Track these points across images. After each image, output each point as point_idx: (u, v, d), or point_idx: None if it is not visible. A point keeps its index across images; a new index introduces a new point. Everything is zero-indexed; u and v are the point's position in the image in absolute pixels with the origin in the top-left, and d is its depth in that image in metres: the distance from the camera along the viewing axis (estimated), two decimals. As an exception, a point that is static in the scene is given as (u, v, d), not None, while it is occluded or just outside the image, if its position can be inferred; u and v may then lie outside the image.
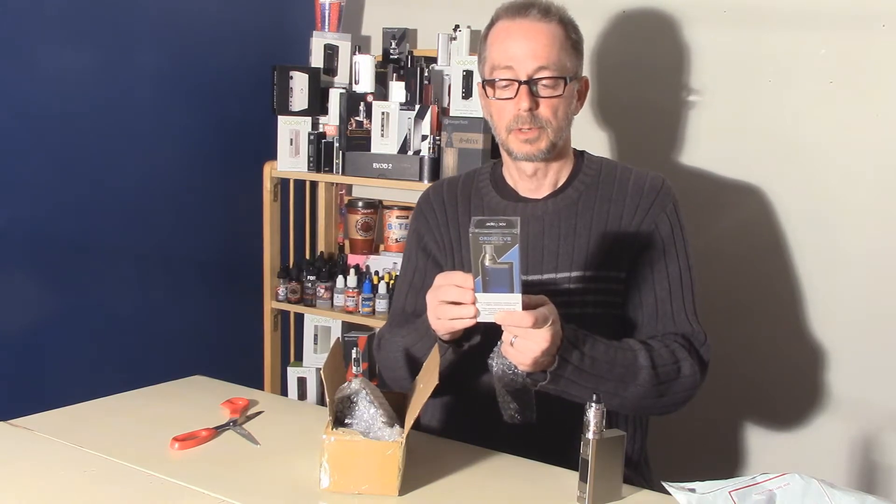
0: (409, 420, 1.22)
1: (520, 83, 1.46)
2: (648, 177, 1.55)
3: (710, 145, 2.18)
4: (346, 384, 1.29)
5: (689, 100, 2.20)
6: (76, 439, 1.35)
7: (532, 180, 1.56)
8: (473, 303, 1.25)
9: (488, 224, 1.19)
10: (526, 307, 1.24)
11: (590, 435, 1.18)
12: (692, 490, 1.15)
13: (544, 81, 1.46)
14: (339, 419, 1.24)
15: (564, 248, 1.52)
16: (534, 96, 1.47)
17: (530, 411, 1.47)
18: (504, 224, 1.19)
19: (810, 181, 2.06)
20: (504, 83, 1.48)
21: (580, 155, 1.61)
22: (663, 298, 1.51)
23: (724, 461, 2.20)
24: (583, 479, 1.19)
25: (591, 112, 2.29)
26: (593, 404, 1.18)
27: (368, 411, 1.23)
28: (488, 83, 1.51)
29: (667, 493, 1.18)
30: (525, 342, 1.27)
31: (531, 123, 1.47)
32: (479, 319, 1.27)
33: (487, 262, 1.20)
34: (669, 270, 1.51)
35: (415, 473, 1.25)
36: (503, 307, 1.24)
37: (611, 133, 2.30)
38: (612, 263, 1.51)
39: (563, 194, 1.55)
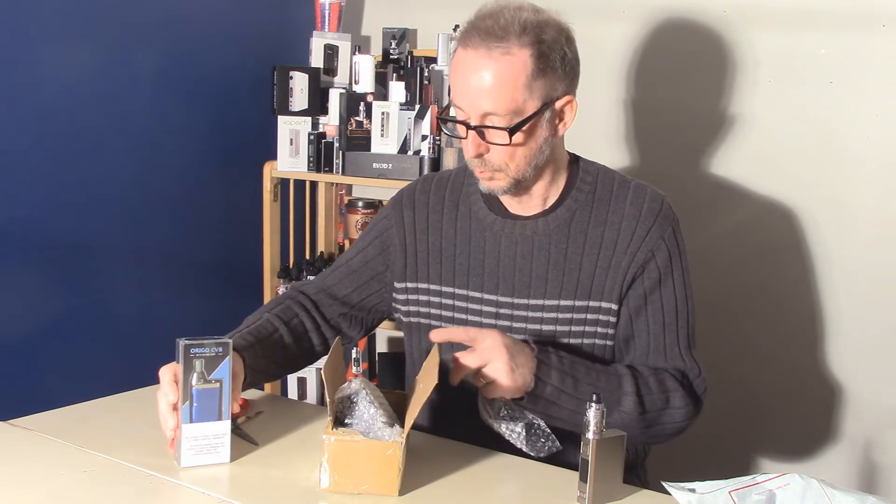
0: (409, 420, 1.22)
1: (468, 127, 1.36)
2: (647, 196, 1.46)
3: (707, 145, 2.18)
4: (346, 384, 1.29)
5: (688, 100, 2.20)
6: (76, 439, 1.35)
7: (517, 201, 1.48)
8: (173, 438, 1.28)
9: (196, 344, 1.23)
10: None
11: (590, 435, 1.18)
12: (692, 490, 1.15)
13: (490, 130, 1.35)
14: (339, 419, 1.24)
15: (554, 273, 1.44)
16: (485, 141, 1.36)
17: (551, 441, 1.38)
18: (215, 342, 1.23)
19: (810, 181, 2.06)
20: (455, 124, 1.39)
21: (575, 162, 1.50)
22: (657, 332, 1.44)
23: (724, 461, 2.20)
24: (583, 479, 1.19)
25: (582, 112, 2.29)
26: (593, 404, 1.18)
27: (368, 411, 1.23)
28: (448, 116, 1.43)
29: (667, 493, 1.18)
30: (490, 367, 1.28)
31: (483, 167, 1.39)
32: (186, 465, 1.26)
33: (195, 383, 1.23)
34: (665, 301, 1.44)
35: (415, 473, 1.25)
36: (210, 444, 1.26)
37: (606, 133, 2.30)
38: (605, 294, 1.43)
39: (555, 214, 1.46)
